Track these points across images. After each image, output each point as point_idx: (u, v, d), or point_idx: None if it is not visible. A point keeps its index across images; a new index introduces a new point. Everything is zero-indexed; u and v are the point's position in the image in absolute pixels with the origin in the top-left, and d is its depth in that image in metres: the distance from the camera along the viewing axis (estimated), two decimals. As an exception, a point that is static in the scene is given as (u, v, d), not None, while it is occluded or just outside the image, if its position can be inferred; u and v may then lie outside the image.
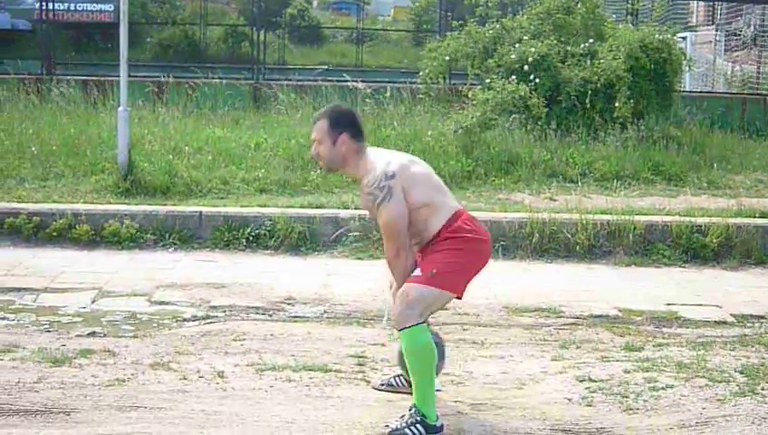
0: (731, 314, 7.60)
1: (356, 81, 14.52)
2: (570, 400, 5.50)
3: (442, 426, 4.88)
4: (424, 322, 4.91)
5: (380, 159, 5.00)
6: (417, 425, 4.82)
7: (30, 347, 6.11)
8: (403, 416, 4.89)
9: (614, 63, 13.47)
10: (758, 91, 19.12)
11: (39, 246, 9.09)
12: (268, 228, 9.38)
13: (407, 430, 4.81)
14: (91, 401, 5.19)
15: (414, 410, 4.85)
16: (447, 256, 4.90)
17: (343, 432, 4.89)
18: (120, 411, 5.06)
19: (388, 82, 16.27)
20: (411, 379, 4.95)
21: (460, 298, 5.14)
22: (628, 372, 5.92)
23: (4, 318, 6.89)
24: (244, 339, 6.48)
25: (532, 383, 5.78)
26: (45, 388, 5.38)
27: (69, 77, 15.72)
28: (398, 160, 5.02)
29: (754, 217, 10.10)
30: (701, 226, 9.60)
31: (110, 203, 9.88)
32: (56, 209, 9.45)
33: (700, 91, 19.35)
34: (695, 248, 9.48)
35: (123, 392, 5.35)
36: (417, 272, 4.90)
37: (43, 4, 18.86)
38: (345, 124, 5.05)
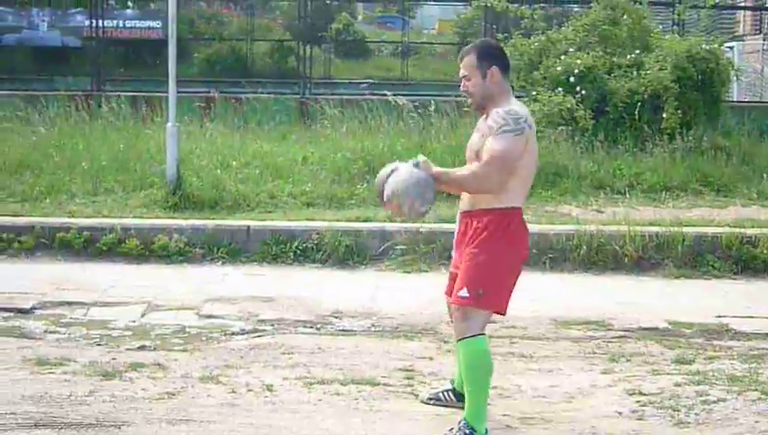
0: (783, 327, 7.50)
1: (397, 95, 14.51)
2: (620, 413, 5.46)
3: (491, 440, 4.88)
4: (483, 333, 4.90)
5: (524, 108, 4.96)
6: (466, 438, 4.81)
7: (81, 361, 6.17)
8: (452, 429, 4.88)
9: (661, 74, 13.38)
10: (808, 101, 18.90)
11: (89, 261, 9.19)
12: (315, 242, 9.41)
13: (456, 443, 4.81)
14: (142, 415, 5.23)
15: (463, 422, 4.84)
16: (491, 269, 4.86)
17: (392, 446, 4.89)
18: (171, 425, 5.10)
19: (435, 95, 16.28)
20: (466, 390, 4.93)
21: (503, 314, 5.11)
22: (679, 385, 5.87)
23: (55, 332, 6.97)
24: (292, 352, 6.50)
25: (582, 397, 5.75)
26: (96, 401, 5.44)
27: (118, 93, 15.93)
28: (533, 124, 4.97)
29: (805, 227, 9.97)
30: (751, 237, 9.49)
31: (159, 217, 9.96)
32: (106, 224, 9.56)
33: (748, 101, 19.16)
34: (745, 260, 9.37)
35: (173, 406, 5.39)
36: (464, 292, 4.85)
37: (93, 21, 19.12)
38: (494, 57, 4.99)
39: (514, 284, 5.02)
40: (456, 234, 5.18)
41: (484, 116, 4.97)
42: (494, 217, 4.87)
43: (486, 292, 4.84)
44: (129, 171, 11.48)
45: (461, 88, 5.08)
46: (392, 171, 4.92)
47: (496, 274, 4.88)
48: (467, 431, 4.81)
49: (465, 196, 5.05)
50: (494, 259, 4.86)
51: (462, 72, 5.01)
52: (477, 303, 4.83)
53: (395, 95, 14.45)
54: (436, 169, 4.95)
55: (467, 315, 4.84)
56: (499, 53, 5.08)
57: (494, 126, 4.80)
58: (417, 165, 4.89)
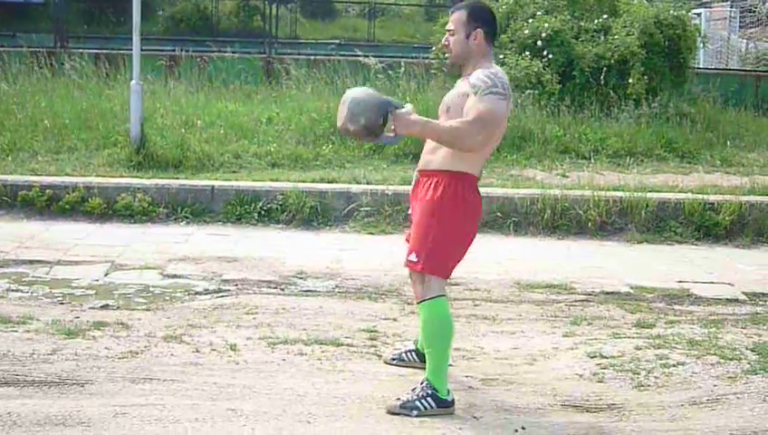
0: (743, 292, 7.59)
1: (367, 56, 14.46)
2: (581, 376, 5.51)
3: (453, 400, 4.90)
4: (443, 295, 4.91)
5: (505, 75, 4.89)
6: (428, 398, 4.83)
7: (43, 319, 6.14)
8: (414, 389, 4.90)
9: (628, 39, 13.42)
10: (772, 69, 19.02)
11: (52, 219, 9.12)
12: (280, 203, 9.40)
13: (417, 402, 4.83)
14: (105, 373, 5.21)
15: (425, 383, 4.87)
16: (443, 231, 4.83)
17: (355, 406, 4.91)
18: (134, 383, 5.09)
19: (401, 56, 16.21)
20: (427, 351, 4.95)
21: (447, 279, 5.05)
22: (640, 348, 5.93)
23: (17, 290, 6.92)
24: (256, 313, 6.50)
25: (543, 359, 5.80)
26: (59, 359, 5.41)
27: (81, 50, 15.72)
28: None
29: (767, 194, 10.07)
30: (713, 203, 9.59)
31: (123, 176, 9.90)
32: (69, 182, 9.48)
33: (714, 68, 19.25)
34: (707, 226, 9.47)
35: (136, 365, 5.38)
36: (413, 257, 4.85)
37: (56, -24, 18.85)
38: (483, 21, 4.93)
39: (464, 251, 4.99)
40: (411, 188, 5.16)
41: (466, 75, 4.92)
42: (446, 180, 4.84)
43: (431, 255, 4.83)
44: (93, 130, 11.37)
45: (443, 41, 5.03)
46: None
47: (444, 239, 4.85)
48: (429, 392, 4.84)
49: (424, 154, 5.02)
50: (443, 225, 4.84)
51: (448, 26, 4.98)
52: (425, 267, 4.84)
53: (364, 56, 14.39)
54: (417, 116, 4.85)
55: (425, 277, 4.85)
56: (489, 17, 5.01)
57: (480, 85, 4.72)
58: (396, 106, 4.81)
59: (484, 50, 4.92)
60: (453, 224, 4.86)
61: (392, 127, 4.81)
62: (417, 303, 4.92)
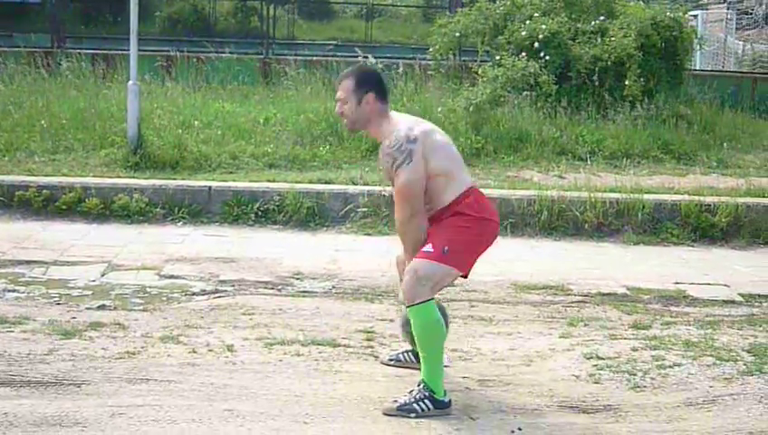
0: (739, 294, 7.60)
1: (366, 56, 14.47)
2: (577, 377, 5.52)
3: (450, 401, 4.91)
4: (433, 298, 4.92)
5: (403, 123, 4.99)
6: (426, 400, 4.84)
7: (40, 319, 6.14)
8: (411, 391, 4.91)
9: (625, 41, 13.43)
10: (769, 71, 19.05)
11: (49, 220, 9.12)
12: (277, 203, 9.41)
13: (415, 405, 4.83)
14: (102, 374, 5.22)
15: (422, 385, 4.87)
16: (458, 232, 4.89)
17: (352, 407, 4.91)
18: (131, 384, 5.09)
19: (398, 57, 16.22)
20: (420, 354, 4.96)
21: (466, 277, 5.16)
22: (636, 349, 5.94)
23: (14, 291, 6.92)
24: (252, 313, 6.50)
25: (540, 360, 5.80)
26: (56, 360, 5.41)
27: (78, 51, 15.70)
28: (421, 126, 5.01)
29: (764, 196, 10.09)
30: (710, 205, 9.60)
31: (120, 177, 9.90)
32: (66, 183, 9.48)
33: (711, 70, 19.28)
34: (703, 228, 9.48)
35: (133, 365, 5.38)
36: (429, 248, 4.87)
37: (53, -24, 18.81)
38: (371, 84, 5.03)
39: (482, 252, 5.04)
40: None
41: (380, 140, 5.04)
42: (454, 205, 4.93)
43: (452, 250, 4.86)
44: (90, 130, 11.37)
45: (336, 110, 5.16)
46: None
47: (463, 237, 4.90)
48: (426, 393, 4.84)
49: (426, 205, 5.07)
50: (461, 226, 4.90)
51: (338, 95, 5.08)
52: (440, 258, 4.84)
53: (363, 57, 14.39)
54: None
55: (420, 280, 4.82)
56: (376, 78, 5.14)
57: (387, 166, 4.91)
58: None
59: (379, 110, 5.04)
60: (472, 227, 4.93)
61: None
62: (407, 307, 4.92)
